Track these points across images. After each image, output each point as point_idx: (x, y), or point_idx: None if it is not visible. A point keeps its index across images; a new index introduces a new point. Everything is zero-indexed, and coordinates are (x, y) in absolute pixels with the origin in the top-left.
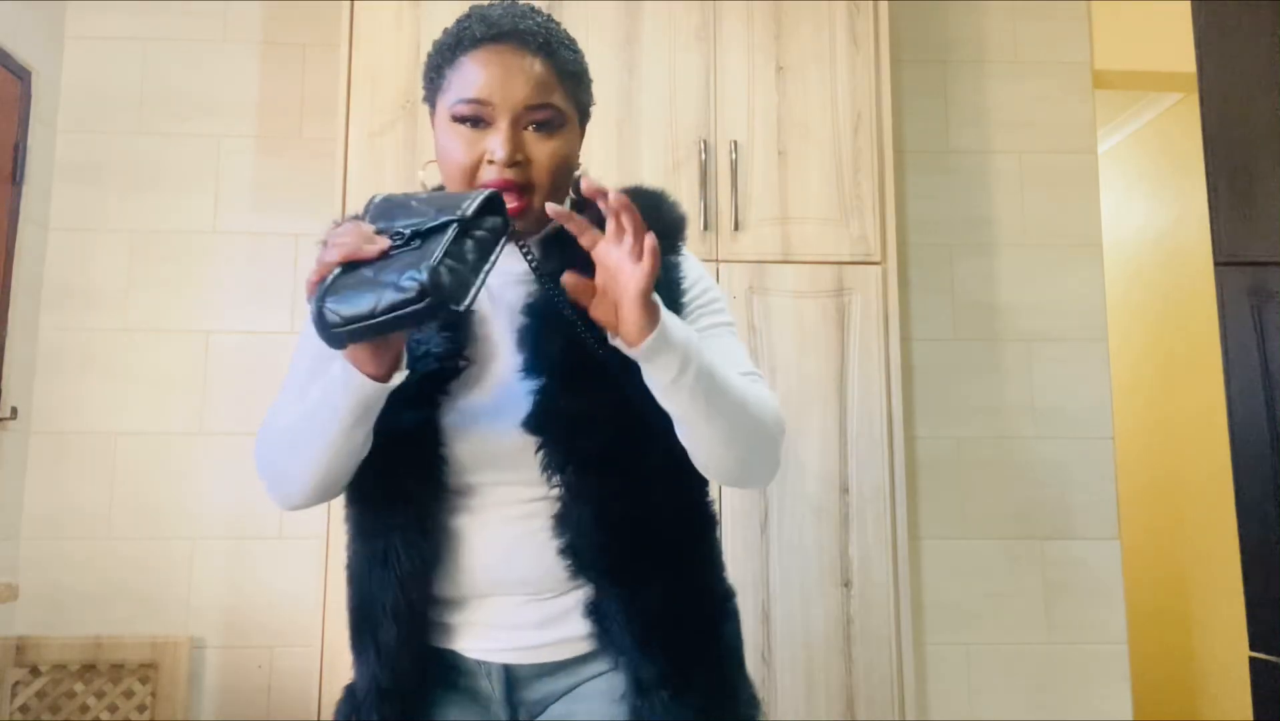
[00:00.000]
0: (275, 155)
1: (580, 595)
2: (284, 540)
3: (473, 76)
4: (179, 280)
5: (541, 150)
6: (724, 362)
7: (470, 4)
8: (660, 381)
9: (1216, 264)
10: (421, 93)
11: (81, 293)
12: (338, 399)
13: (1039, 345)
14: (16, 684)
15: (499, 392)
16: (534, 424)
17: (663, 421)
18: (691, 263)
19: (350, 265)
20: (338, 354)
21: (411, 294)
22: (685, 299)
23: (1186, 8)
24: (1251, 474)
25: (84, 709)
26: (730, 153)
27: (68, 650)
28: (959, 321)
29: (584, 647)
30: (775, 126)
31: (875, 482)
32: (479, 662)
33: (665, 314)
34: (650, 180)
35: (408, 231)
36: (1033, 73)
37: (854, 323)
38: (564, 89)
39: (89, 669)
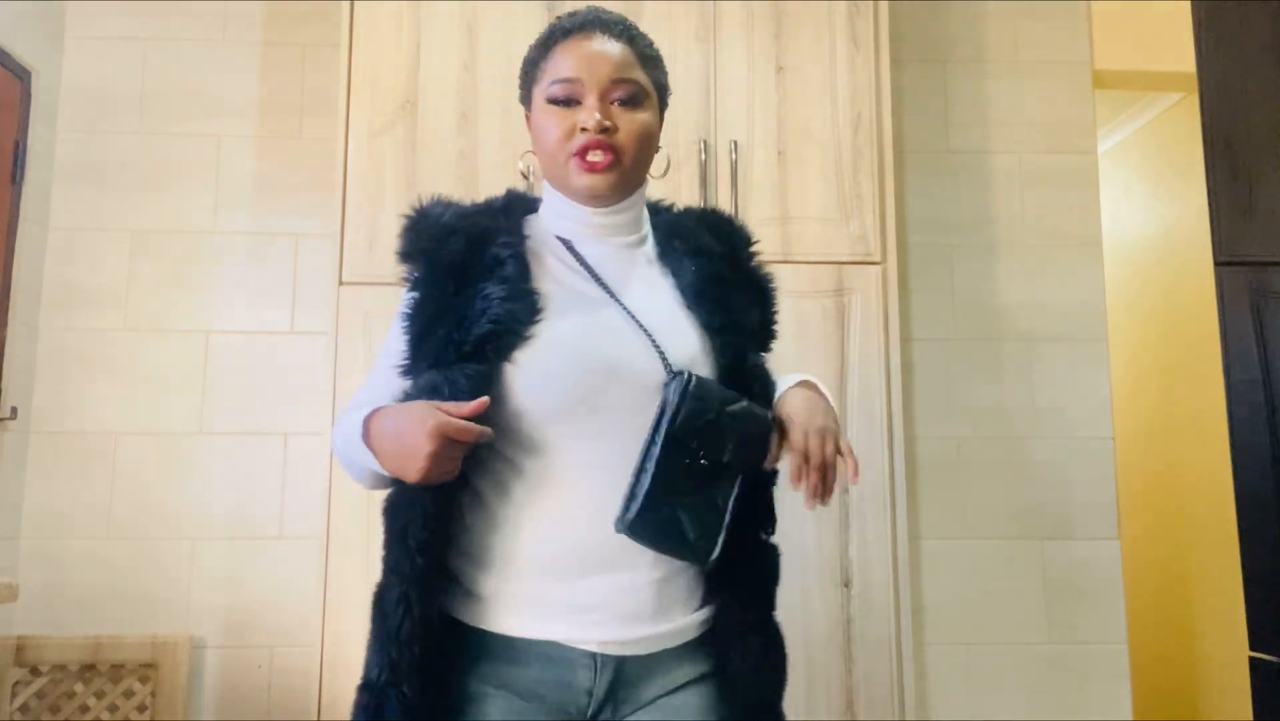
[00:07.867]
0: (275, 155)
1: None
2: (284, 540)
3: (563, 61)
4: (179, 280)
5: (627, 121)
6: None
7: (470, 3)
8: None
9: (1216, 264)
10: (518, 93)
11: (81, 292)
12: (371, 465)
13: (1039, 345)
14: (16, 684)
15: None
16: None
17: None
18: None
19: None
20: (399, 378)
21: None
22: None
23: (1186, 8)
24: (1251, 473)
25: (84, 709)
26: (730, 153)
27: (68, 650)
28: (959, 321)
29: (691, 635)
30: (775, 126)
31: (875, 482)
32: (587, 654)
33: None
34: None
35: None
36: (1033, 73)
37: (854, 323)
38: (644, 69)
39: (89, 669)
